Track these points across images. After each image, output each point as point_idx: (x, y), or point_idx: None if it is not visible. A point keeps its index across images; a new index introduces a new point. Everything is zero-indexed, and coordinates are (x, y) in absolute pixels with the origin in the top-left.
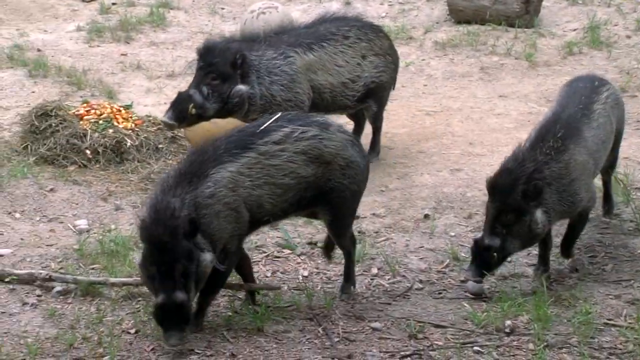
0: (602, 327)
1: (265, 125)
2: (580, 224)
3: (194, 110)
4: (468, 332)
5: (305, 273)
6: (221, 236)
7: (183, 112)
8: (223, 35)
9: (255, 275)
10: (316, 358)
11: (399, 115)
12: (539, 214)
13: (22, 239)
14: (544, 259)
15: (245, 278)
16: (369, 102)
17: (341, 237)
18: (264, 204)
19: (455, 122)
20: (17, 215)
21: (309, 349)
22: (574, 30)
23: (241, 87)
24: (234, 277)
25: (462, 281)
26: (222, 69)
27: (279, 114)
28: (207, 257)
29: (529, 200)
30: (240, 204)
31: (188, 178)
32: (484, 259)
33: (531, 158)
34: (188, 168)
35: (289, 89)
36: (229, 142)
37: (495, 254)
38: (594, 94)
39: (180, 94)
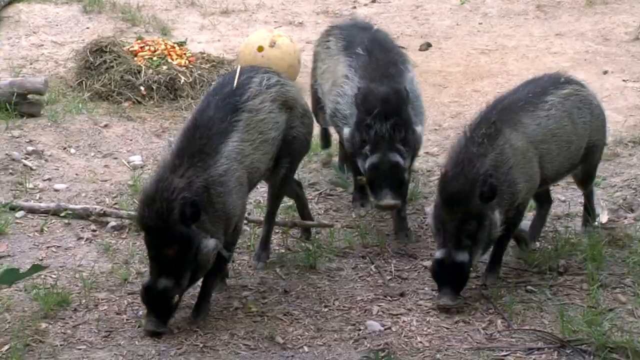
0: None
1: (236, 80)
2: (517, 220)
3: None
4: (521, 272)
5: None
6: (235, 214)
7: (402, 184)
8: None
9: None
10: (368, 295)
11: (454, 53)
12: (497, 215)
13: (77, 174)
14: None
15: (302, 216)
16: None
17: (288, 185)
18: (260, 167)
19: (511, 60)
20: (72, 150)
21: (361, 286)
22: None
23: (417, 128)
24: (286, 215)
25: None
26: (404, 117)
27: (238, 68)
28: (210, 243)
29: (486, 202)
30: (245, 176)
31: (197, 156)
32: (457, 277)
33: (475, 154)
34: (193, 144)
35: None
36: (219, 109)
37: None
38: (553, 87)
39: (385, 166)
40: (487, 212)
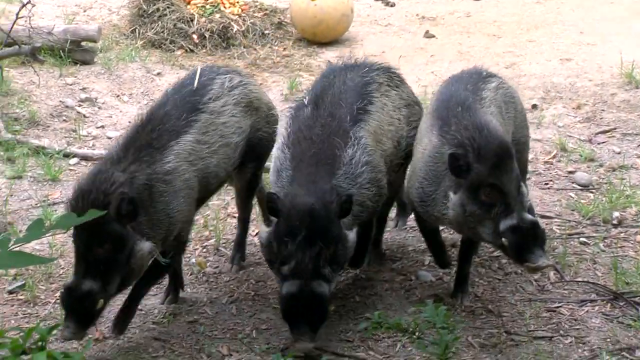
0: None
1: (196, 80)
2: None
3: (332, 308)
4: (574, 224)
5: None
6: (179, 219)
7: (320, 320)
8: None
9: None
10: (420, 246)
11: (509, 3)
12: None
13: (129, 122)
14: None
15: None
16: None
17: (255, 189)
18: (218, 172)
19: (567, 10)
20: (125, 98)
21: (413, 236)
22: None
23: (351, 235)
24: None
25: (570, 172)
26: (331, 231)
27: (198, 68)
28: (145, 246)
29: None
30: (196, 180)
31: (145, 150)
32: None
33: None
34: (142, 137)
35: (375, 182)
36: (177, 107)
37: None
38: (482, 82)
39: (305, 298)
40: None
